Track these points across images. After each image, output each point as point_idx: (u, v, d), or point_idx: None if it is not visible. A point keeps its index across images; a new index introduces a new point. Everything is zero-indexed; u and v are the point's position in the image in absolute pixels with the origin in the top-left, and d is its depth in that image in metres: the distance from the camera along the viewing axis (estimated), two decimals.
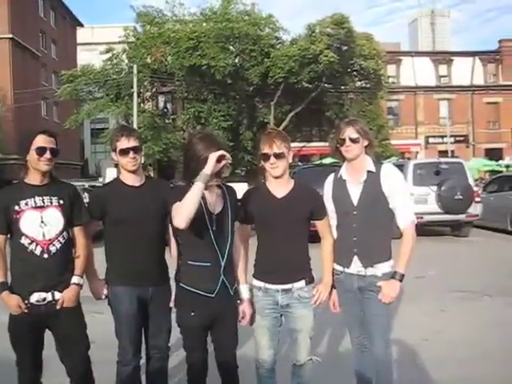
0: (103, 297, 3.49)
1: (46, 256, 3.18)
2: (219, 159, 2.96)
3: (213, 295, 3.08)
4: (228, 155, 3.02)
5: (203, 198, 3.03)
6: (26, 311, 3.15)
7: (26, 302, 3.15)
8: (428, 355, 4.96)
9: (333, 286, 3.50)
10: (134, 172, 3.48)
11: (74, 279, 3.28)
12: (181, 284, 3.15)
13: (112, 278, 3.45)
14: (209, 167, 2.92)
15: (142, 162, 3.60)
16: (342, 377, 4.19)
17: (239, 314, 3.27)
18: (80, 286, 3.31)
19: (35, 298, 3.16)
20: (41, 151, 3.17)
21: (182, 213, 2.87)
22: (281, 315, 3.36)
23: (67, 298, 3.22)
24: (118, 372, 3.44)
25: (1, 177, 29.98)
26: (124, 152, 3.41)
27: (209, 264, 3.07)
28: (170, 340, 3.51)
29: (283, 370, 3.52)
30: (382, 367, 3.39)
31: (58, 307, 3.18)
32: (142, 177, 3.54)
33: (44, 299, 3.18)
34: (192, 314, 3.09)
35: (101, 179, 31.05)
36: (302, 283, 3.30)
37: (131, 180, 3.50)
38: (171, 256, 3.40)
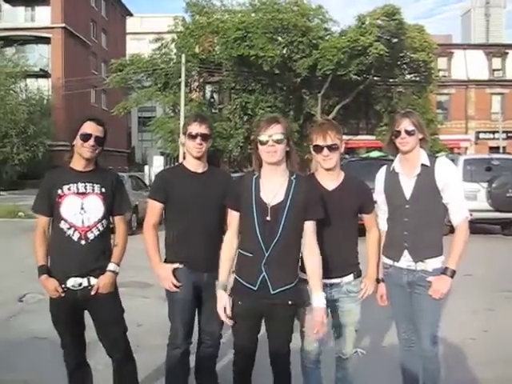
0: (170, 285, 3.42)
1: (83, 242, 3.21)
2: None
3: (255, 288, 2.97)
4: None
5: (257, 187, 3.02)
6: (62, 295, 3.19)
7: (63, 286, 3.19)
8: (474, 354, 4.86)
9: (381, 280, 3.46)
10: (198, 158, 3.54)
11: (110, 266, 3.29)
12: (234, 272, 3.14)
13: (169, 261, 3.50)
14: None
15: None
16: (388, 370, 4.15)
17: (306, 323, 3.05)
18: (116, 273, 3.32)
19: (71, 282, 3.20)
20: (85, 137, 3.20)
21: None
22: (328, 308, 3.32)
23: (102, 285, 3.23)
24: (168, 354, 3.51)
25: (50, 162, 30.85)
26: (192, 136, 3.48)
27: (251, 255, 3.01)
28: (222, 327, 3.53)
29: (326, 361, 3.49)
30: (429, 364, 3.35)
31: (92, 293, 3.21)
32: (205, 164, 3.60)
33: (80, 284, 3.21)
34: (239, 303, 3.04)
35: (147, 167, 31.58)
36: (350, 277, 3.27)
37: (195, 166, 3.56)
38: None
